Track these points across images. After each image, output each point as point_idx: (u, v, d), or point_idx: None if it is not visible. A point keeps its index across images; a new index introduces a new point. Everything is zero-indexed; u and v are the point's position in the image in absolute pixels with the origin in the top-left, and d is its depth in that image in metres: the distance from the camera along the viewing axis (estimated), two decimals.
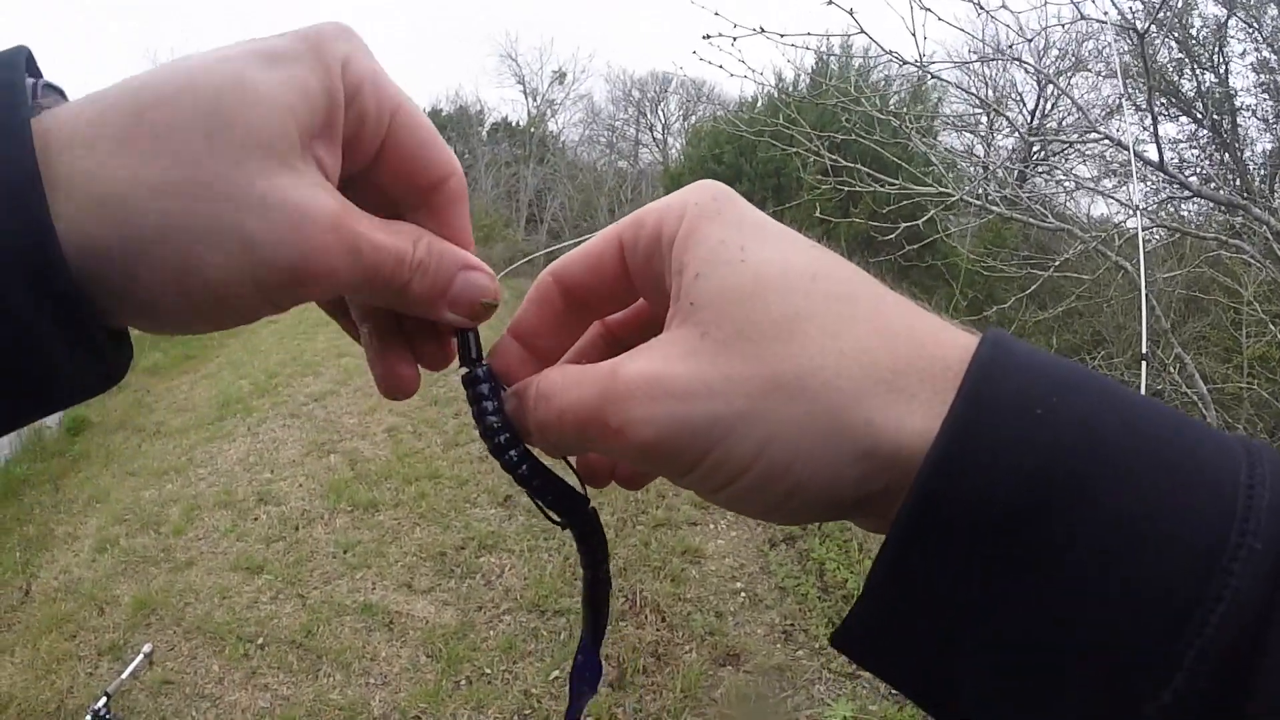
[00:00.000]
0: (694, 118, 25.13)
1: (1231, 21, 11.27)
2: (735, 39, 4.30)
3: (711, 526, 6.17)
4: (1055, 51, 15.30)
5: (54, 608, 4.80)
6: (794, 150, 5.67)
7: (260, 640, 4.53)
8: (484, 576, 5.27)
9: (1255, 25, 11.11)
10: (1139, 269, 3.79)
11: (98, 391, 0.36)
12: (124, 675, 3.02)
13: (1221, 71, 12.03)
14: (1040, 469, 0.27)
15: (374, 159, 0.39)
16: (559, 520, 0.46)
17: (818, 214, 6.40)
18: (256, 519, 5.80)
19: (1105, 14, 4.55)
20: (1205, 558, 0.26)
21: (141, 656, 3.09)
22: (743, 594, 5.34)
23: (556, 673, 4.45)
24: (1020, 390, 0.28)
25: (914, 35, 4.76)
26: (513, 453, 0.41)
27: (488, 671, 4.42)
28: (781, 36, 4.36)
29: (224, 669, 4.30)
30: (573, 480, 0.46)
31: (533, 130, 27.64)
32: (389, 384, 0.45)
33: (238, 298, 0.33)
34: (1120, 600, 0.26)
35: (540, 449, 0.41)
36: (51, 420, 7.62)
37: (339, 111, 0.35)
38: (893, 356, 0.30)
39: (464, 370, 0.44)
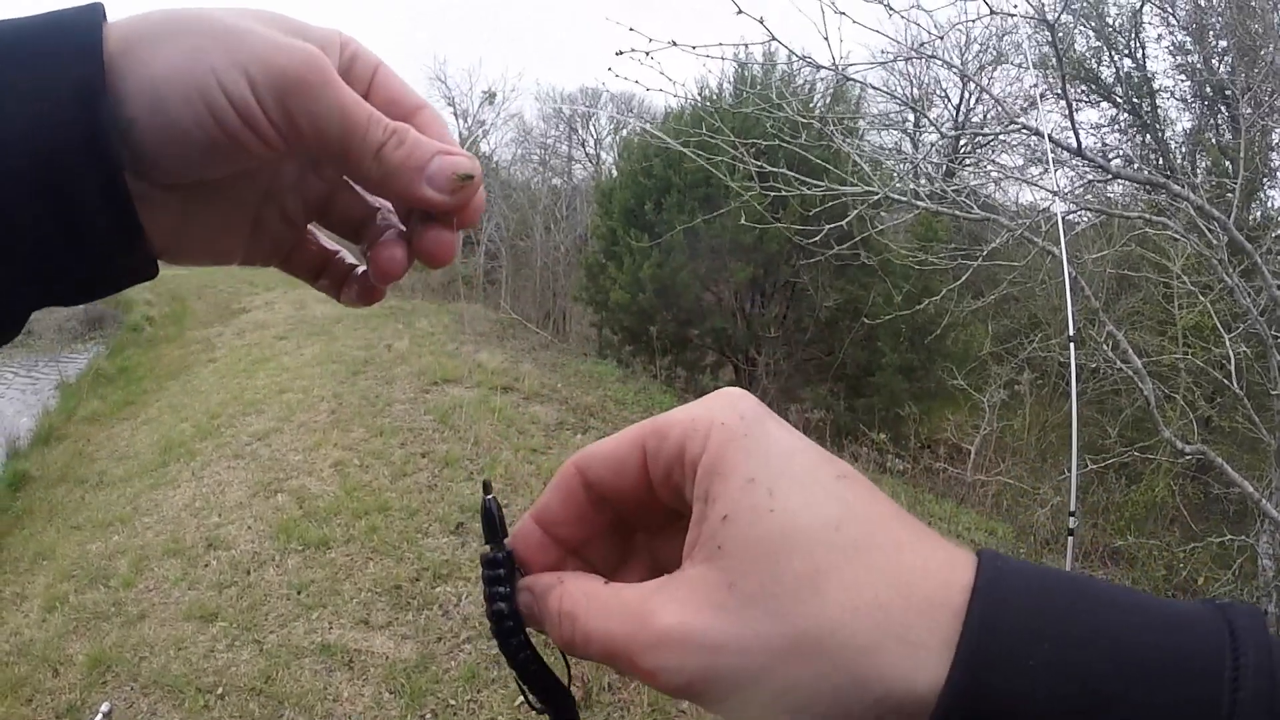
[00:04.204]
0: (625, 131, 25.23)
1: (1146, 7, 11.58)
2: (649, 53, 4.36)
3: None
4: (976, 47, 15.64)
5: (7, 672, 4.71)
6: (719, 159, 5.74)
7: (220, 690, 4.50)
8: (441, 607, 5.27)
9: (1169, 9, 11.42)
10: (1063, 253, 3.91)
11: (126, 274, 0.44)
12: None
13: (1139, 56, 12.36)
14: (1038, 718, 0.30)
15: (364, 93, 0.46)
16: (539, 706, 0.47)
17: (743, 221, 6.48)
18: (207, 565, 5.74)
19: (1015, 6, 4.67)
20: None
21: (100, 716, 3.08)
22: None
23: (521, 699, 4.47)
24: (1013, 646, 0.31)
25: (827, 40, 4.87)
26: (514, 640, 0.44)
27: (452, 703, 4.43)
28: (694, 48, 4.43)
29: None
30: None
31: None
32: (379, 268, 0.50)
33: (229, 84, 0.40)
34: None
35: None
36: None
37: (334, 45, 0.45)
38: (905, 609, 0.33)
39: (485, 550, 0.45)
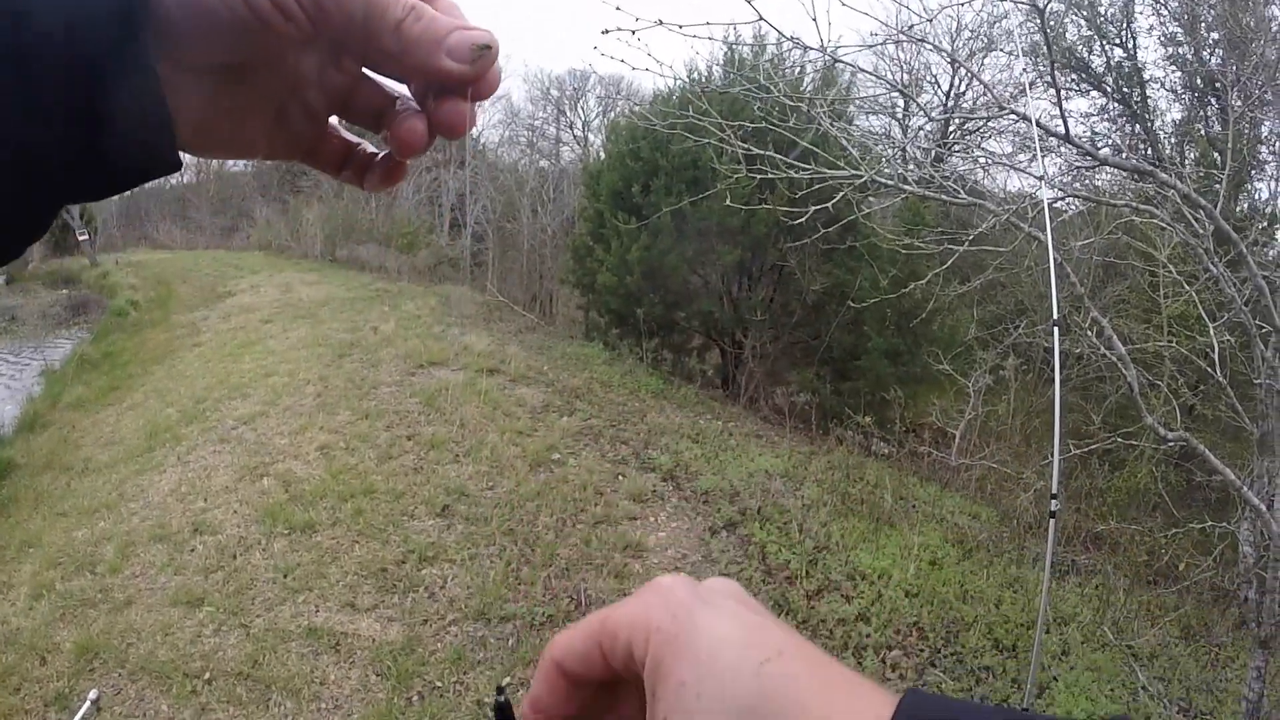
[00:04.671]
0: (613, 113, 25.19)
1: None
2: (635, 32, 4.35)
3: (651, 519, 6.25)
4: (967, 33, 15.63)
5: None
6: (706, 141, 5.73)
7: (207, 675, 4.51)
8: (427, 589, 5.30)
9: (1161, 1, 11.45)
10: (1049, 239, 3.92)
11: (151, 163, 0.44)
12: None
13: (1130, 46, 12.38)
14: None
15: None
16: None
17: (728, 202, 6.47)
18: (193, 550, 5.74)
19: None
20: None
21: (89, 704, 3.06)
22: None
23: (507, 679, 4.49)
24: None
25: (815, 21, 4.86)
26: None
27: (438, 685, 4.46)
28: (680, 27, 4.42)
29: (173, 708, 4.27)
30: None
31: None
32: (400, 141, 0.51)
33: None
34: None
35: None
36: None
37: None
38: None
39: None
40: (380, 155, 0.55)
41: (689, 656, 0.40)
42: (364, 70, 0.52)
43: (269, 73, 0.48)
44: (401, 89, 0.52)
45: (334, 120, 0.55)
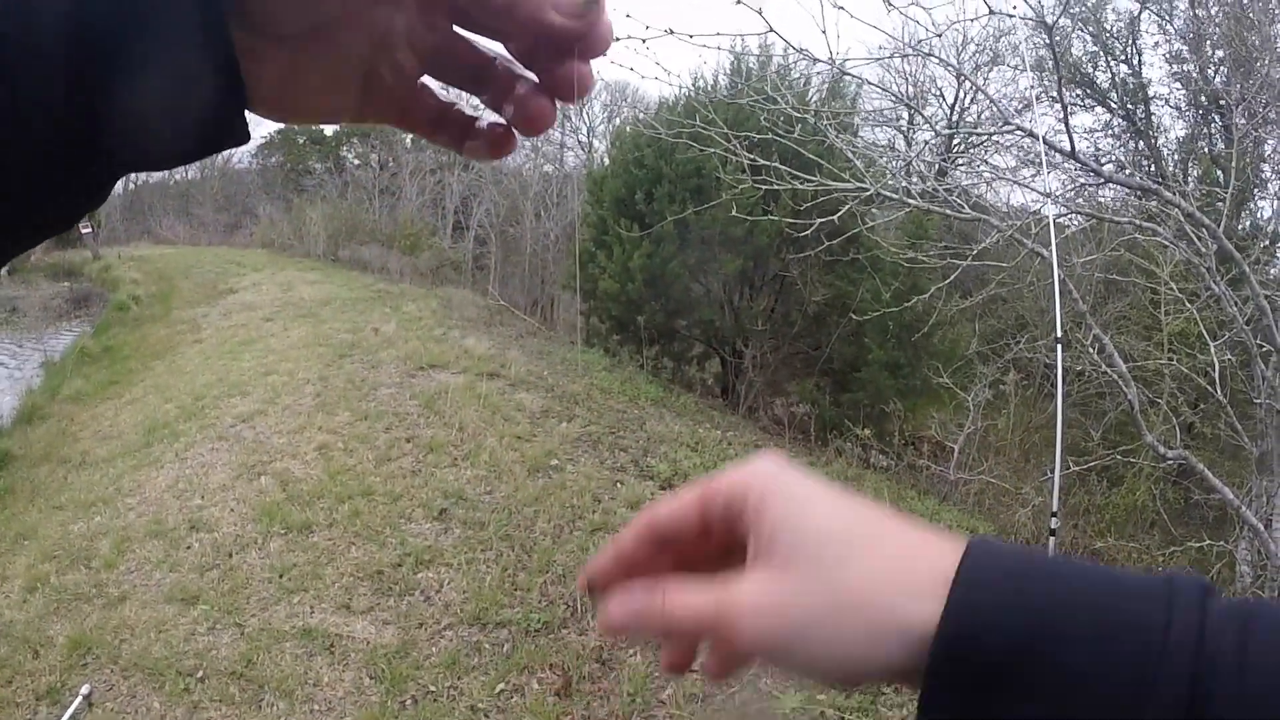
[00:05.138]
0: (618, 120, 25.22)
1: (1144, 15, 11.63)
2: (645, 40, 4.36)
3: None
4: (973, 47, 15.66)
5: None
6: (711, 150, 5.74)
7: (200, 673, 4.50)
8: (423, 592, 5.28)
9: (1167, 18, 11.47)
10: (1053, 255, 3.93)
11: (226, 133, 0.42)
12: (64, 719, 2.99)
13: (1135, 63, 12.40)
14: (1008, 642, 0.40)
15: None
16: None
17: (734, 213, 6.48)
18: (189, 547, 5.74)
19: (1014, 7, 4.67)
20: (1132, 687, 0.38)
21: (80, 699, 3.06)
22: None
23: (501, 685, 4.48)
24: (987, 594, 0.41)
25: (824, 34, 4.87)
26: None
27: (432, 689, 4.45)
28: (691, 37, 4.43)
29: (165, 706, 4.26)
30: None
31: None
32: (527, 118, 0.49)
33: None
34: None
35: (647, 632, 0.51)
36: None
37: None
38: (912, 577, 0.44)
39: None
40: (484, 123, 0.52)
41: (790, 492, 0.48)
42: (456, 29, 0.49)
43: (353, 32, 0.45)
44: (499, 48, 0.49)
45: (427, 79, 0.52)
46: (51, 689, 4.39)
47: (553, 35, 0.44)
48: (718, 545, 0.52)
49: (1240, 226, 8.93)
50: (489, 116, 0.52)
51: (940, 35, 5.34)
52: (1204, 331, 5.35)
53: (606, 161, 14.55)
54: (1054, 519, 3.52)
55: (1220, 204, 5.00)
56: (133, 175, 0.41)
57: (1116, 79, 12.46)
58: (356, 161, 30.87)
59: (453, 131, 0.52)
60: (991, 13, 4.64)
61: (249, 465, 6.91)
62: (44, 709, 4.28)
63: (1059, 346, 3.79)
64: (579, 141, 27.79)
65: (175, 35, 0.36)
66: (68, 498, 6.71)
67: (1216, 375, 5.16)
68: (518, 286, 17.50)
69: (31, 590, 5.32)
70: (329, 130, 33.26)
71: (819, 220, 5.47)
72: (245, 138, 0.42)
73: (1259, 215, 10.05)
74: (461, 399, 8.21)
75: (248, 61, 0.39)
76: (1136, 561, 6.64)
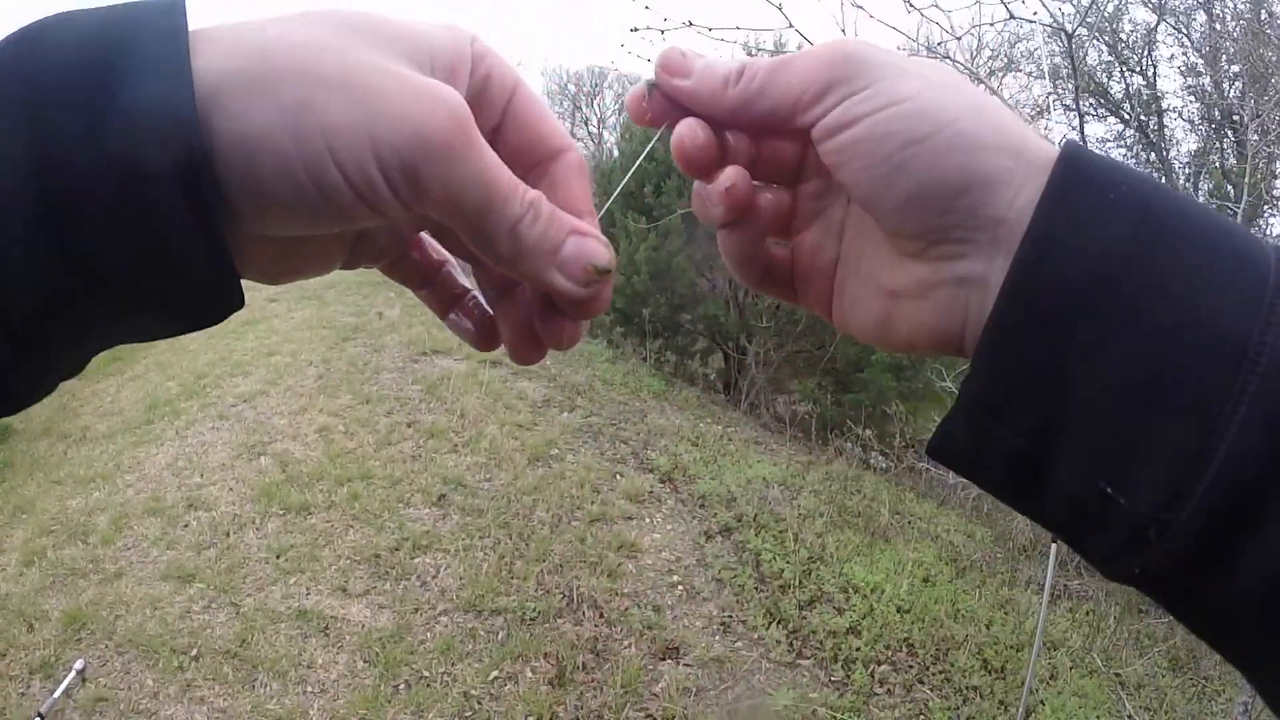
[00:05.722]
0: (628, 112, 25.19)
1: (1160, 27, 11.58)
2: (664, 32, 4.34)
3: (647, 520, 6.23)
4: (988, 52, 15.61)
5: None
6: None
7: (194, 651, 4.51)
8: (419, 578, 5.29)
9: (1184, 31, 11.43)
10: None
11: (210, 310, 0.37)
12: (57, 694, 3.01)
13: (1150, 75, 12.36)
14: (1117, 237, 0.36)
15: (497, 127, 0.42)
16: None
17: None
18: (186, 526, 5.74)
19: (1035, 14, 4.65)
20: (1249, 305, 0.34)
21: (74, 673, 3.08)
22: (680, 587, 5.41)
23: (495, 673, 4.49)
24: (1094, 178, 0.37)
25: (844, 32, 4.85)
26: None
27: (426, 674, 4.45)
28: (710, 30, 4.41)
29: (158, 683, 4.27)
30: None
31: None
32: (518, 350, 0.47)
33: (346, 157, 0.33)
34: (1187, 343, 0.34)
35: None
36: None
37: (465, 64, 0.40)
38: (1018, 139, 0.39)
39: None
40: (474, 305, 0.50)
41: (881, 56, 0.42)
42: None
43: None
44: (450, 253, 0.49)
45: (424, 235, 0.49)
46: (46, 663, 4.40)
47: (554, 295, 0.42)
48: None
49: None
50: (479, 297, 0.50)
51: (959, 39, 5.34)
52: None
53: (615, 154, 14.53)
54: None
55: (1232, 218, 4.99)
56: None
57: (1130, 89, 12.42)
58: None
59: (441, 296, 0.50)
60: (1011, 17, 4.62)
61: (249, 445, 6.91)
62: (37, 683, 4.28)
63: None
64: (589, 133, 27.79)
65: (177, 267, 0.34)
66: (67, 472, 6.71)
67: None
68: None
69: (28, 564, 5.33)
70: None
71: None
72: (240, 304, 0.37)
73: (1270, 231, 10.05)
74: (463, 385, 8.21)
75: (240, 254, 0.37)
76: None
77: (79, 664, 3.12)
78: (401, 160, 0.34)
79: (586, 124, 27.95)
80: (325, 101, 0.33)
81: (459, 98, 0.35)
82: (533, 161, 0.43)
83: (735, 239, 0.49)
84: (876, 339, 0.47)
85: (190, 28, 0.33)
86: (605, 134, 27.11)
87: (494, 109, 0.42)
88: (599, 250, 0.41)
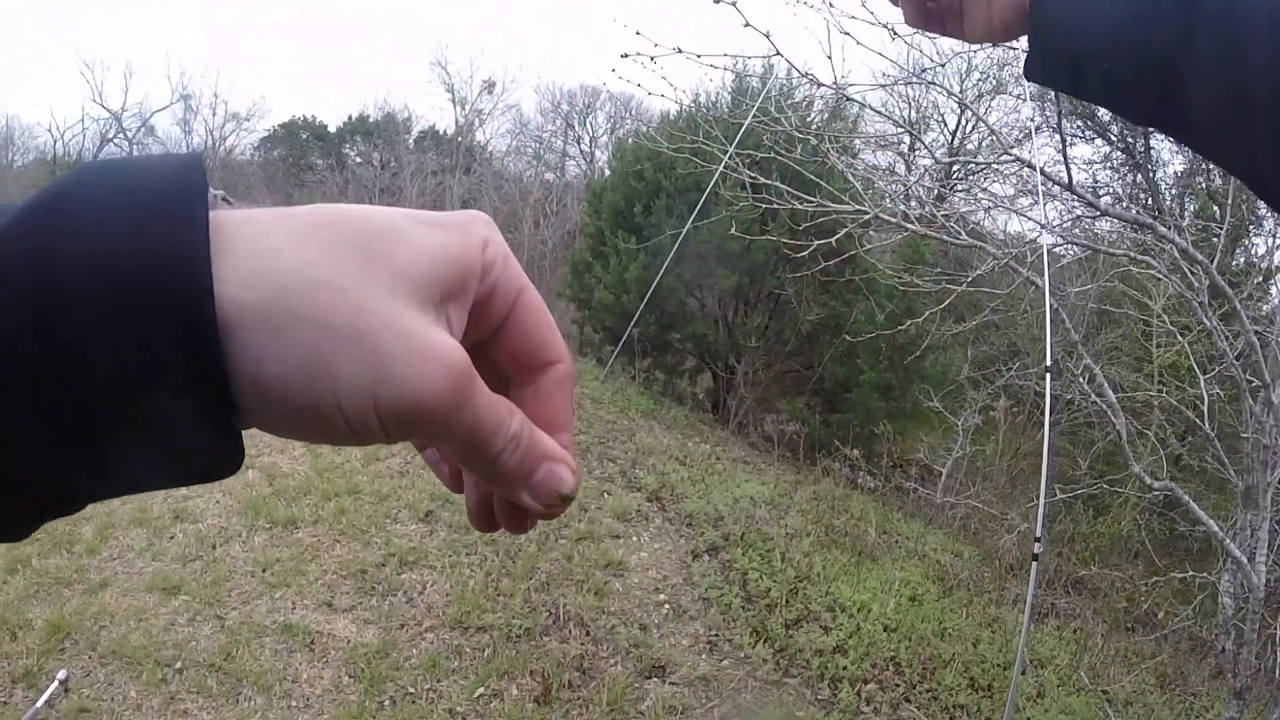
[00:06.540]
0: (620, 131, 25.33)
1: None
2: (654, 58, 4.38)
3: (634, 539, 6.23)
4: (976, 75, 15.73)
5: None
6: (712, 167, 5.76)
7: (178, 664, 4.48)
8: (405, 594, 5.27)
9: None
10: (1046, 285, 3.95)
11: (211, 471, 0.37)
12: (39, 704, 2.97)
13: None
14: None
15: (494, 332, 0.43)
16: None
17: (733, 231, 6.50)
18: (172, 537, 5.71)
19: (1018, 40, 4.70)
20: None
21: (57, 683, 3.04)
22: (666, 606, 5.41)
23: (481, 690, 4.47)
24: None
25: (830, 59, 4.90)
26: None
27: (411, 690, 4.43)
28: (699, 57, 4.45)
29: (141, 695, 4.24)
30: None
31: (460, 139, 27.54)
32: (477, 523, 0.47)
33: (350, 408, 0.35)
34: None
35: None
36: None
37: (474, 280, 0.40)
38: None
39: None
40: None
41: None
42: None
43: None
44: None
45: None
46: (28, 672, 4.36)
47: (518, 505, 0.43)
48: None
49: (1234, 262, 8.99)
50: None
51: (944, 65, 5.39)
52: (1194, 365, 5.39)
53: (607, 172, 14.58)
54: (1038, 545, 3.53)
55: (1215, 239, 5.04)
56: None
57: None
58: (358, 159, 30.76)
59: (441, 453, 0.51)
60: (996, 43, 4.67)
61: None
62: (20, 692, 4.25)
63: (1048, 375, 3.80)
64: (581, 151, 27.89)
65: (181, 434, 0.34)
66: None
67: (1205, 409, 5.20)
68: None
69: (12, 572, 5.29)
70: (332, 126, 33.35)
71: (817, 242, 5.50)
72: (239, 464, 0.37)
73: (1253, 251, 10.13)
74: None
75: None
76: (1120, 591, 6.67)
77: (62, 674, 3.08)
78: (399, 419, 0.35)
79: (579, 142, 28.07)
80: (335, 353, 0.34)
81: (460, 354, 0.37)
82: (524, 368, 0.45)
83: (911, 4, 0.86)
84: (984, 35, 0.82)
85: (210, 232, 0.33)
86: (597, 153, 27.23)
87: (496, 315, 0.43)
88: (566, 478, 0.42)
